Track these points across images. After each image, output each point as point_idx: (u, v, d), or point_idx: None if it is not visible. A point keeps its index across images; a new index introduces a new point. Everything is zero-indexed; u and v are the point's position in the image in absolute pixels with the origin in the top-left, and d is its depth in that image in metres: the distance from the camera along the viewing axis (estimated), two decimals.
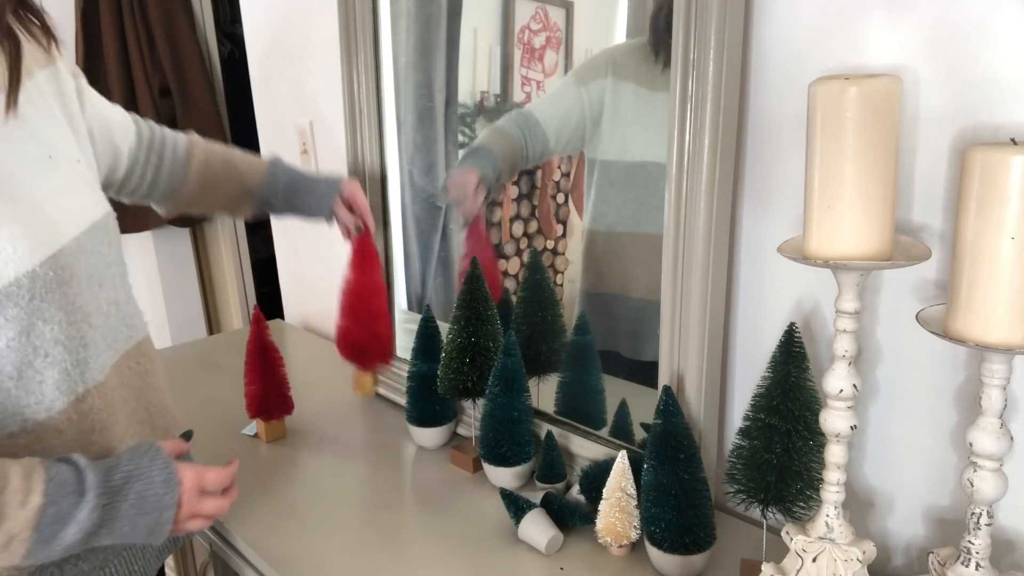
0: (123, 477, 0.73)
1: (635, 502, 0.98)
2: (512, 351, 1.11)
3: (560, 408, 1.22)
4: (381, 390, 1.48)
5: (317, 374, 1.60)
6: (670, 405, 0.92)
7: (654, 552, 0.94)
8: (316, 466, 1.25)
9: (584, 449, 1.14)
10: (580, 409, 1.19)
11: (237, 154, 1.21)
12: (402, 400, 1.35)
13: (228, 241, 2.56)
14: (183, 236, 2.61)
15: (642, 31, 1.05)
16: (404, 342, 1.48)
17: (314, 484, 1.20)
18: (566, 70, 1.15)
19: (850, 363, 0.76)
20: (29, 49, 0.79)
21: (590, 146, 1.13)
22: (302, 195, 1.22)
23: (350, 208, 1.26)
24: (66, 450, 0.76)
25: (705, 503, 0.92)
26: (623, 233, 1.12)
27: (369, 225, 1.27)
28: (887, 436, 0.92)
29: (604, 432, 1.16)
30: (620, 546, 0.98)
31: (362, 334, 1.33)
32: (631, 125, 1.08)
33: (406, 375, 1.31)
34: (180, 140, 1.13)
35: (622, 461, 0.98)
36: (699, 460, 0.92)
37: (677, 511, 0.91)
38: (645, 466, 0.94)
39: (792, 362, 0.83)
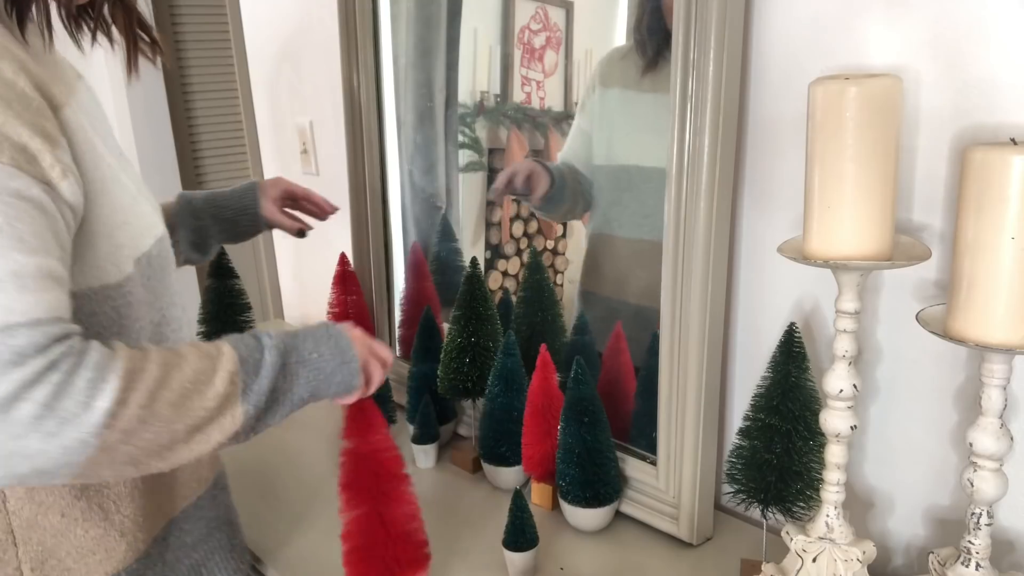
0: (293, 335, 0.74)
1: None
2: (512, 351, 1.11)
3: None
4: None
5: None
6: (580, 375, 1.01)
7: (563, 505, 1.05)
8: (316, 466, 1.25)
9: None
10: None
11: None
12: (403, 400, 1.35)
13: None
14: None
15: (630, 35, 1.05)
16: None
17: (314, 484, 1.20)
18: (566, 70, 1.15)
19: (850, 363, 0.76)
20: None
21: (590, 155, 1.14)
22: (221, 208, 1.14)
23: (290, 207, 1.21)
24: None
25: (607, 462, 1.02)
26: (613, 236, 1.13)
27: (325, 207, 1.22)
28: (887, 436, 0.92)
29: None
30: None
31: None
32: (616, 129, 1.09)
33: (406, 375, 1.31)
34: None
35: None
36: (604, 424, 1.02)
37: (579, 468, 1.01)
38: (559, 428, 1.04)
39: (792, 362, 0.83)
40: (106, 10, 0.76)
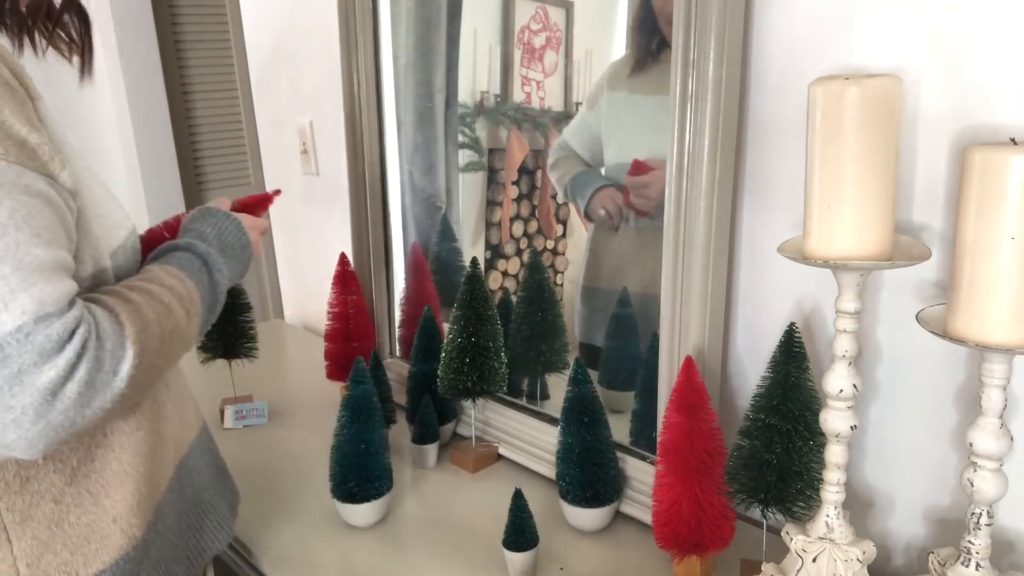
0: (214, 234, 0.89)
1: None
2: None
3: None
4: None
5: (316, 373, 1.60)
6: (580, 375, 1.02)
7: (563, 505, 1.05)
8: (315, 466, 1.25)
9: None
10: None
11: None
12: (403, 400, 1.35)
13: None
14: None
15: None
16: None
17: (313, 484, 1.20)
18: (566, 70, 1.16)
19: (850, 363, 0.76)
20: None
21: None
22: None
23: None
24: None
25: (607, 462, 1.03)
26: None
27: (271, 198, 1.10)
28: (887, 436, 0.92)
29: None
30: None
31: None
32: (624, 130, 1.10)
33: (406, 375, 1.31)
34: None
35: None
36: (604, 423, 1.03)
37: (579, 467, 1.02)
38: (559, 428, 1.05)
39: (792, 362, 0.83)
40: (65, 18, 0.79)
